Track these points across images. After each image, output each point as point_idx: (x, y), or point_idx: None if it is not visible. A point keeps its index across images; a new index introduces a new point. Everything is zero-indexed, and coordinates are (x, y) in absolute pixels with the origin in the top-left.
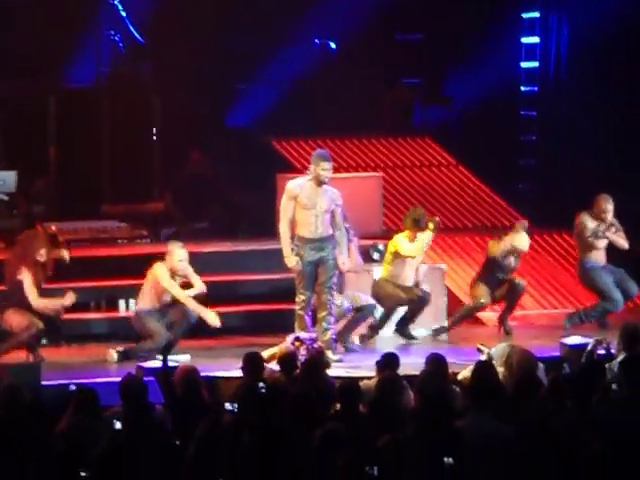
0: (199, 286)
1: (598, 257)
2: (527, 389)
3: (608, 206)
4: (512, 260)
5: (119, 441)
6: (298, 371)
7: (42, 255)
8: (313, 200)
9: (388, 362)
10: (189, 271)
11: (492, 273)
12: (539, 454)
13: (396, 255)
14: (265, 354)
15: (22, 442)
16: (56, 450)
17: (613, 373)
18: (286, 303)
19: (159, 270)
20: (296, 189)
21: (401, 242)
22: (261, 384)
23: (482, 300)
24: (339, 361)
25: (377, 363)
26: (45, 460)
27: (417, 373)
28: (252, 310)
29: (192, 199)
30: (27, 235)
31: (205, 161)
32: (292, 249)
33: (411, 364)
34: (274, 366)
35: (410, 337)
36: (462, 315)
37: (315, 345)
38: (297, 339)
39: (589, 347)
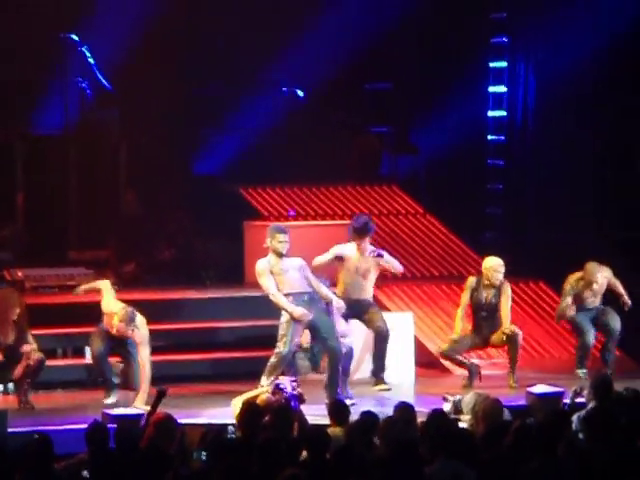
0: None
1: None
2: (494, 436)
3: (597, 276)
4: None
5: None
6: (267, 418)
7: (15, 314)
8: (285, 270)
9: (337, 411)
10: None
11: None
12: None
13: None
14: (239, 400)
15: None
16: None
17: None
18: (254, 350)
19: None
20: (266, 267)
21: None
22: (231, 429)
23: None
24: (353, 405)
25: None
26: None
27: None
28: (219, 358)
29: (129, 241)
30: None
31: (138, 200)
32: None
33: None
34: None
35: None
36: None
37: (295, 392)
38: (276, 387)
39: (569, 397)
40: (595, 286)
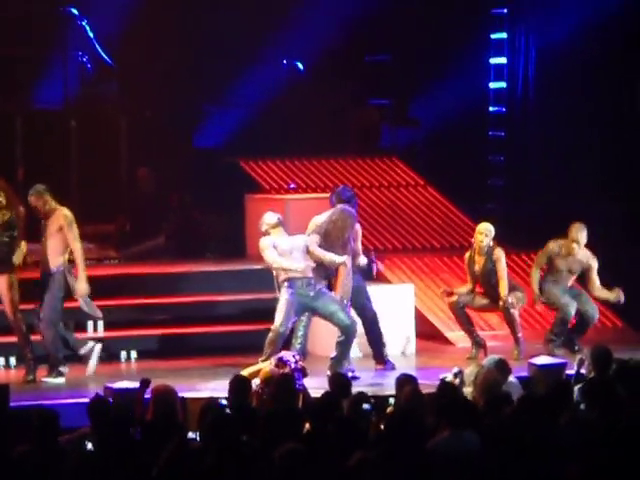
0: None
1: (559, 279)
2: (492, 408)
3: (579, 235)
4: None
5: (90, 462)
6: (269, 391)
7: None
8: (289, 251)
9: (339, 383)
10: None
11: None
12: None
13: None
14: (246, 372)
15: None
16: (15, 473)
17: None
18: (256, 324)
19: None
20: (270, 242)
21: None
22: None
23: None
24: (355, 378)
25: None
26: None
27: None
28: (221, 331)
29: (143, 217)
30: None
31: (151, 178)
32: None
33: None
34: (257, 385)
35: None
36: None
37: (298, 365)
38: (280, 360)
39: (575, 366)
40: (576, 249)
